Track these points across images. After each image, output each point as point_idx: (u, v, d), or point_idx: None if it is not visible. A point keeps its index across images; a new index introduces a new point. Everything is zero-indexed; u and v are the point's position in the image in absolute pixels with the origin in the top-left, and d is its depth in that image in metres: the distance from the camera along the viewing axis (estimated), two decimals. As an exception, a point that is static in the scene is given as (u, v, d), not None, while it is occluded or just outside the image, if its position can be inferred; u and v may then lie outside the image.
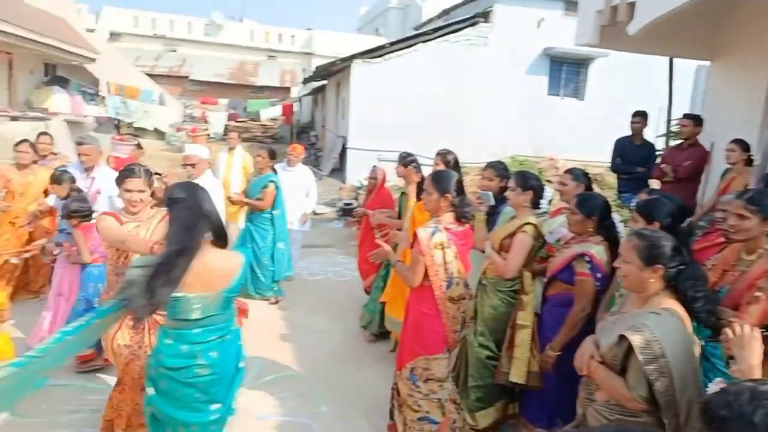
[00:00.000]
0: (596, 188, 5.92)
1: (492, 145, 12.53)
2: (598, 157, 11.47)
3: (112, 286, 3.13)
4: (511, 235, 3.41)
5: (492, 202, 3.70)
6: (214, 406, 2.61)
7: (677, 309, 2.13)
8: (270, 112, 25.20)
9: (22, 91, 16.03)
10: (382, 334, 5.05)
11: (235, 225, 6.81)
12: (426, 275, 3.09)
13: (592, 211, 3.08)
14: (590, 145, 12.79)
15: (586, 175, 3.77)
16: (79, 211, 4.15)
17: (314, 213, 9.89)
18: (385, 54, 13.57)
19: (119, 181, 3.13)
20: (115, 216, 3.08)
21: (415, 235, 3.15)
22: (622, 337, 2.07)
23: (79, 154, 4.89)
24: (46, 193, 5.27)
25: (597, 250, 3.03)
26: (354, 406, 3.94)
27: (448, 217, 3.15)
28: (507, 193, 3.54)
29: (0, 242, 5.17)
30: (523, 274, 3.36)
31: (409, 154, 4.93)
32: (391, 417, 3.49)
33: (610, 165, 6.65)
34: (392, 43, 14.04)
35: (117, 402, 3.15)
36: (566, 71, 14.61)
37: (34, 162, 5.41)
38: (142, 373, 2.98)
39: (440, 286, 3.08)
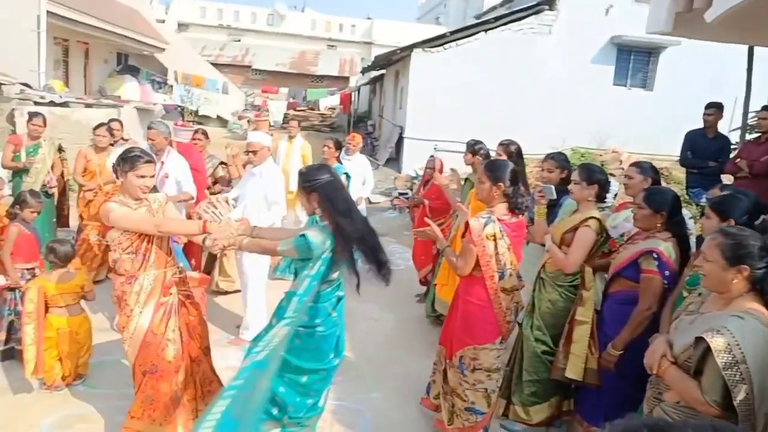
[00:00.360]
0: (663, 183, 5.67)
1: (552, 137, 12.20)
2: (664, 150, 10.98)
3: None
4: (574, 229, 3.31)
5: (554, 195, 3.61)
6: (336, 359, 2.97)
7: (762, 314, 2.01)
8: (328, 101, 25.50)
9: (96, 79, 16.88)
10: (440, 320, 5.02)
11: (294, 212, 6.95)
12: (477, 265, 3.06)
13: (661, 206, 2.96)
14: (656, 138, 12.24)
15: (653, 168, 3.61)
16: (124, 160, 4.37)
17: (369, 201, 9.97)
18: (445, 43, 13.42)
19: (131, 165, 2.95)
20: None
21: (467, 225, 3.14)
22: (700, 339, 1.98)
23: (147, 139, 5.10)
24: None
25: (665, 246, 2.91)
26: (406, 394, 3.96)
27: (501, 208, 3.10)
28: (571, 187, 3.44)
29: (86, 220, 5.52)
30: (584, 269, 3.27)
31: (478, 142, 4.85)
32: (428, 391, 3.60)
33: (678, 159, 6.34)
34: (453, 32, 13.87)
35: (151, 393, 3.03)
36: (634, 60, 14.02)
37: (111, 145, 5.71)
38: (177, 355, 3.07)
39: (492, 276, 3.06)
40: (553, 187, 3.63)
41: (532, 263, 3.88)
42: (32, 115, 5.84)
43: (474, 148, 4.80)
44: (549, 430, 3.57)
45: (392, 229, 9.16)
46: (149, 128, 5.10)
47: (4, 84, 9.41)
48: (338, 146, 5.93)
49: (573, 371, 3.18)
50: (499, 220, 3.06)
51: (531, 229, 3.71)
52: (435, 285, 4.96)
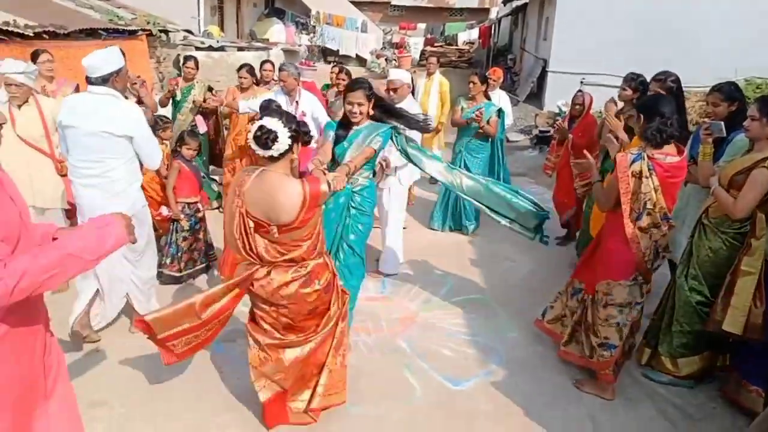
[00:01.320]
0: None
1: (721, 68, 10.70)
2: None
3: None
4: (747, 170, 2.94)
5: (723, 133, 3.21)
6: None
7: None
8: (466, 36, 24.64)
9: (247, 23, 17.84)
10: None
11: (429, 149, 6.97)
12: (618, 201, 3.03)
13: None
14: None
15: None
16: (305, 134, 4.54)
17: (508, 140, 9.65)
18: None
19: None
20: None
21: (614, 160, 3.11)
22: None
23: (279, 80, 5.32)
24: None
25: None
26: (541, 337, 3.92)
27: (666, 147, 2.97)
28: (747, 123, 3.02)
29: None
30: (755, 215, 2.92)
31: (638, 75, 4.36)
32: (543, 315, 3.74)
33: None
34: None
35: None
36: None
37: (255, 84, 6.04)
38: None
39: (630, 214, 3.01)
40: (722, 124, 3.22)
41: (693, 206, 3.57)
42: (186, 59, 6.31)
43: (636, 82, 4.31)
44: (698, 385, 3.35)
45: (531, 169, 8.84)
46: (280, 70, 5.32)
47: (171, 31, 10.31)
48: (484, 80, 5.71)
49: (732, 325, 2.93)
50: (651, 158, 2.94)
51: (692, 170, 3.37)
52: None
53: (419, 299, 4.47)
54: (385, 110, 3.57)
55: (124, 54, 3.43)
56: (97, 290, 3.53)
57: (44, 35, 6.86)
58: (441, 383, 3.40)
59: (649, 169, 2.93)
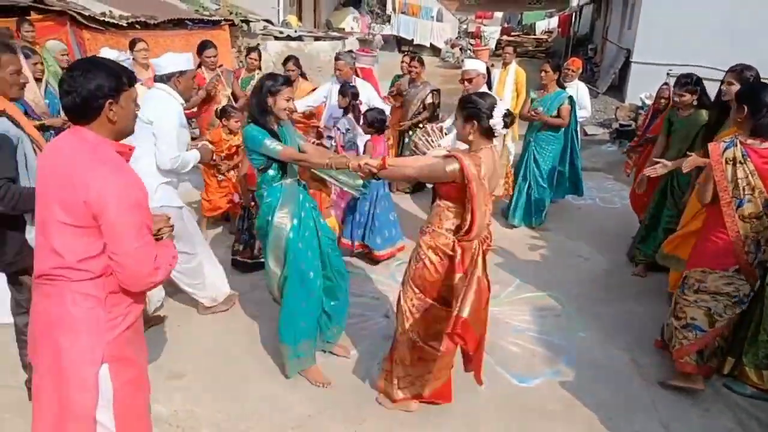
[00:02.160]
0: None
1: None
2: None
3: None
4: None
5: None
6: None
7: None
8: (545, 25, 23.90)
9: (324, 13, 18.11)
10: (654, 267, 4.62)
11: (500, 143, 6.83)
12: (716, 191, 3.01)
13: None
14: None
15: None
16: (377, 122, 4.57)
17: (585, 133, 9.32)
18: (693, -53, 11.41)
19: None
20: None
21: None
22: None
23: (335, 69, 5.34)
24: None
25: None
26: (614, 337, 3.79)
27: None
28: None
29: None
30: None
31: (748, 67, 4.00)
32: (661, 335, 3.57)
33: None
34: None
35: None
36: None
37: (303, 76, 6.01)
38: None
39: (728, 202, 2.98)
40: None
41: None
42: (250, 50, 6.44)
43: (743, 75, 3.95)
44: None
45: (609, 164, 8.49)
46: (336, 59, 5.34)
47: (252, 21, 10.66)
48: (556, 69, 5.52)
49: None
50: (744, 144, 2.94)
51: None
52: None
53: (487, 293, 4.42)
54: None
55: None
56: None
57: (136, 25, 7.28)
58: (507, 379, 3.36)
59: (743, 155, 2.91)
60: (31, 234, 2.53)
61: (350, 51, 5.82)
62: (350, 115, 4.90)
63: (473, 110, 2.56)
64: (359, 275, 4.55)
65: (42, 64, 4.59)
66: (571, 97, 5.51)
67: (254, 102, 2.96)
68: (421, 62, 6.35)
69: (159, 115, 3.32)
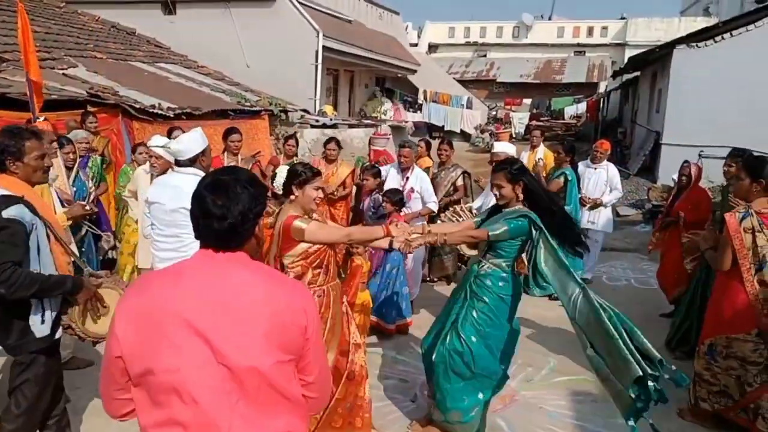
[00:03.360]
0: None
1: None
2: None
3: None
4: None
5: None
6: None
7: None
8: (573, 110, 24.44)
9: (358, 102, 19.00)
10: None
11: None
12: (735, 259, 3.21)
13: None
14: None
15: None
16: (400, 201, 4.79)
17: (618, 214, 9.27)
18: (717, 34, 11.76)
19: (304, 181, 2.94)
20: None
21: (723, 221, 3.29)
22: None
23: (398, 155, 5.56)
24: (344, 185, 6.18)
25: None
26: (657, 423, 3.58)
27: (762, 202, 3.22)
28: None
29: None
30: None
31: (744, 151, 4.16)
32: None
33: None
34: (725, 22, 12.10)
35: (353, 399, 3.16)
36: None
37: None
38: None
39: (748, 268, 3.19)
40: None
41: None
42: (288, 138, 6.77)
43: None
44: None
45: (643, 244, 8.33)
46: (401, 146, 5.56)
47: (290, 111, 11.25)
48: (569, 150, 5.75)
49: None
50: (758, 213, 3.18)
51: None
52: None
53: (520, 376, 4.28)
54: (533, 202, 3.14)
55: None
56: None
57: (182, 116, 7.78)
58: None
59: (759, 224, 3.15)
60: (36, 316, 2.53)
61: (412, 141, 6.03)
62: (379, 195, 5.17)
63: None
64: (387, 357, 4.48)
65: (75, 153, 4.73)
66: (564, 173, 5.78)
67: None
68: (450, 145, 6.56)
69: None
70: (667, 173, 11.57)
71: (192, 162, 3.37)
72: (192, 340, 1.36)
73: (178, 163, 3.42)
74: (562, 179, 5.72)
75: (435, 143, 7.11)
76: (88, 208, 3.68)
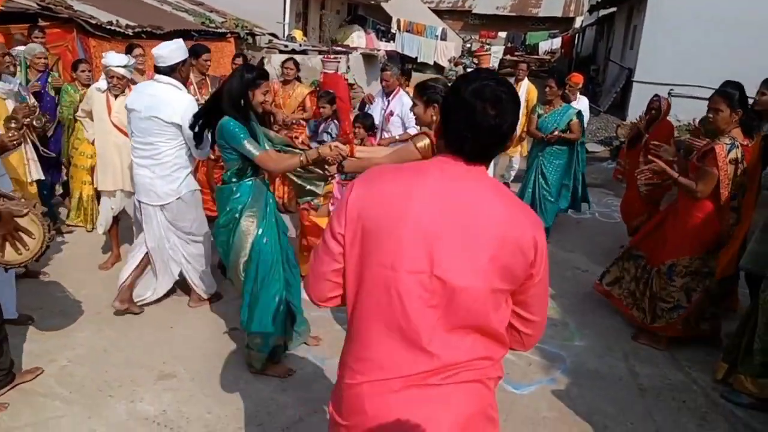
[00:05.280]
0: None
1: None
2: None
3: None
4: None
5: None
6: None
7: None
8: (548, 45, 24.14)
9: (329, 30, 18.32)
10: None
11: (506, 157, 6.86)
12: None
13: None
14: None
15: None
16: (371, 126, 4.81)
17: (587, 150, 9.34)
18: (695, -30, 11.54)
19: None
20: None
21: (711, 150, 3.34)
22: None
23: (381, 80, 5.37)
24: (303, 107, 5.81)
25: None
26: (610, 347, 3.76)
27: (737, 133, 3.33)
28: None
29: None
30: None
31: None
32: (601, 279, 4.22)
33: None
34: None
35: None
36: None
37: (297, 79, 6.00)
38: None
39: (728, 198, 3.37)
40: None
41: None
42: (285, 60, 6.40)
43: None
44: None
45: (609, 180, 8.49)
46: (383, 70, 5.33)
47: (257, 35, 10.78)
48: (561, 84, 5.58)
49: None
50: (742, 145, 3.31)
51: None
52: None
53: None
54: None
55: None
56: (143, 259, 3.76)
57: (142, 35, 7.36)
58: (502, 386, 3.31)
59: (741, 155, 3.29)
60: None
61: (393, 63, 5.65)
62: (335, 121, 5.14)
63: (433, 94, 2.65)
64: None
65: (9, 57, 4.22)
66: (579, 112, 5.56)
67: (230, 94, 2.89)
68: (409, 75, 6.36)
69: (181, 114, 3.35)
70: (637, 111, 11.65)
71: (171, 71, 3.44)
72: (415, 244, 1.29)
73: (157, 70, 3.47)
74: (577, 117, 5.44)
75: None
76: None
